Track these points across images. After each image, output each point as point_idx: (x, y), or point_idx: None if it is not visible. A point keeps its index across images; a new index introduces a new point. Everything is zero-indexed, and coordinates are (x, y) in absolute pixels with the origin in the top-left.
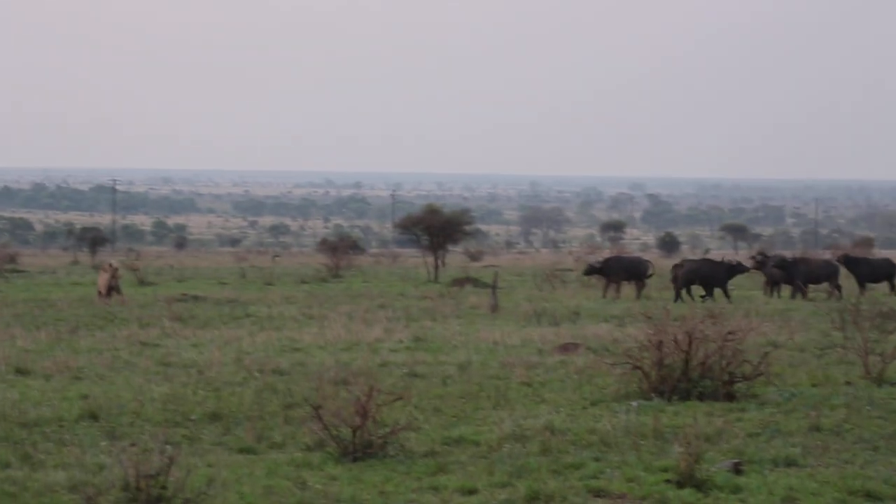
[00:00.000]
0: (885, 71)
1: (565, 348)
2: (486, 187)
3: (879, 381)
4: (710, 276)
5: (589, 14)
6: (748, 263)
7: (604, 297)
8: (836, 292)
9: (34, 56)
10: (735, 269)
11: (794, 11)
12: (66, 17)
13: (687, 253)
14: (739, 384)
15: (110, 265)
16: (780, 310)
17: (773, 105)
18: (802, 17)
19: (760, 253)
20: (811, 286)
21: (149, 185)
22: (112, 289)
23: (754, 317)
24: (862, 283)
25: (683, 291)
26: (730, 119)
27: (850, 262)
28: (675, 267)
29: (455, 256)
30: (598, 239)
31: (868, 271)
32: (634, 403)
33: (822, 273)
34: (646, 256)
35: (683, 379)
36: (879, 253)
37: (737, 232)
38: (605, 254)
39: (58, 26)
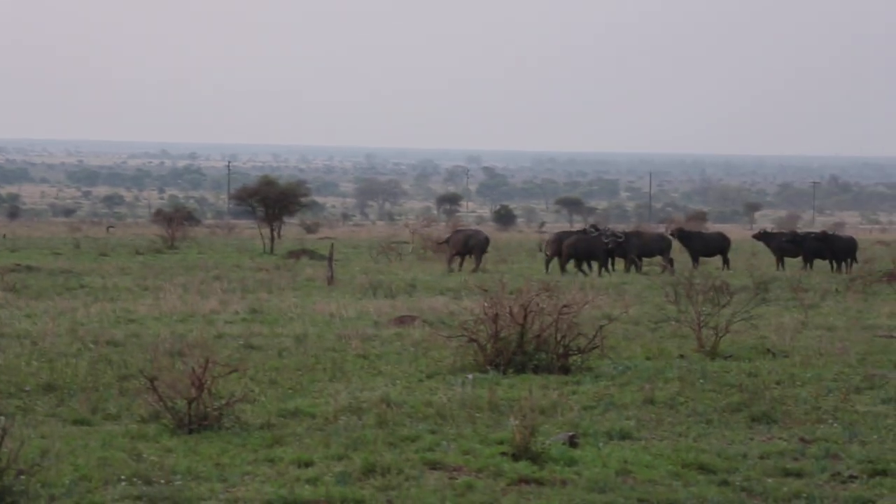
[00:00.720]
0: (719, 44)
1: (401, 321)
2: (322, 159)
3: (713, 354)
4: (589, 251)
5: None
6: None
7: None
8: (669, 266)
9: None
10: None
11: None
12: None
13: (522, 227)
14: (575, 357)
15: None
16: (614, 283)
17: (609, 78)
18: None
19: (593, 226)
20: (644, 260)
21: None
22: None
23: (589, 290)
24: (695, 258)
25: (567, 264)
26: (564, 91)
27: (684, 236)
28: (551, 242)
29: (291, 228)
30: (434, 212)
31: (701, 245)
32: (470, 376)
33: (654, 247)
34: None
35: (519, 352)
36: (713, 227)
37: (572, 205)
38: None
39: None
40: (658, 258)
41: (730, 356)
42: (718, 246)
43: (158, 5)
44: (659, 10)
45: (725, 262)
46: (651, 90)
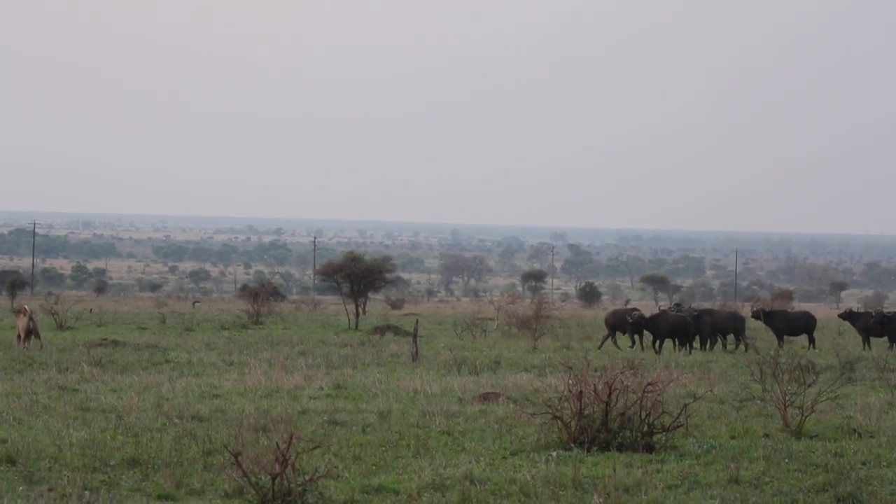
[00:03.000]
0: (805, 122)
1: (486, 397)
2: (408, 235)
3: (798, 434)
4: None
5: (517, 69)
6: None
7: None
8: (744, 344)
9: None
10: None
11: (713, 66)
12: None
13: (607, 304)
14: (659, 435)
15: (25, 309)
16: (699, 361)
17: (695, 156)
18: (721, 67)
19: (677, 305)
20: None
21: (69, 229)
22: (31, 333)
23: (674, 368)
24: (779, 336)
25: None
26: (650, 169)
27: (767, 316)
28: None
29: (376, 304)
30: (519, 288)
31: (784, 324)
32: (554, 453)
33: (727, 325)
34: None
35: (603, 430)
36: (798, 306)
37: (657, 283)
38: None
39: None
40: (730, 336)
41: (815, 436)
42: (803, 325)
43: (245, 82)
44: (741, 87)
45: (811, 341)
46: (737, 168)
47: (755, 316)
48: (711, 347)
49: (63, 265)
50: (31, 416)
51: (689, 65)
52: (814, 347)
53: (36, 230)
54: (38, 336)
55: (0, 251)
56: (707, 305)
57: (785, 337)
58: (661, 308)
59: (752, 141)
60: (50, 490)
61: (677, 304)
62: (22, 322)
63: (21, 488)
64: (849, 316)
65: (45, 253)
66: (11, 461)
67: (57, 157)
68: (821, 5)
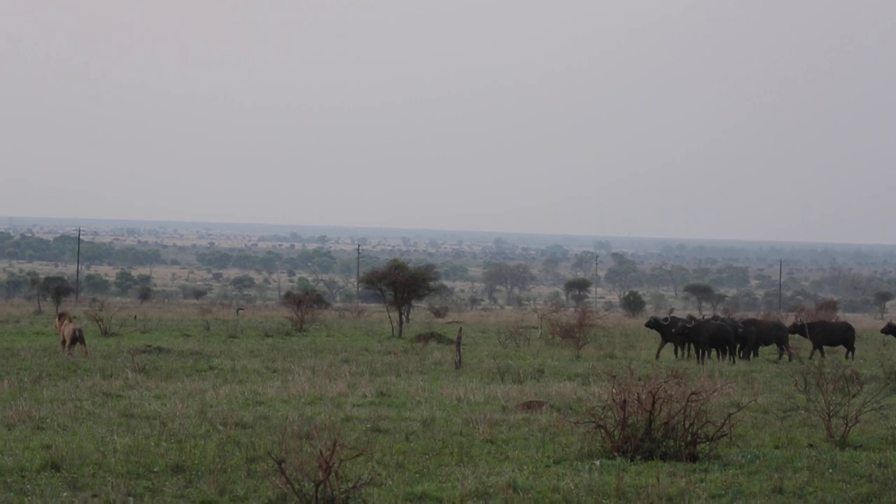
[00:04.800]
0: (849, 131)
1: (529, 406)
2: (452, 243)
3: (842, 444)
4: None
5: (563, 73)
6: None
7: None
8: (788, 353)
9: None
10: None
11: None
12: (34, 65)
13: (651, 313)
14: (703, 445)
15: (70, 315)
16: (743, 371)
17: (738, 165)
18: (772, 93)
19: (715, 316)
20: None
21: (114, 236)
22: (76, 339)
23: (718, 378)
24: (818, 347)
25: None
26: (694, 178)
27: (807, 328)
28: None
29: (419, 312)
30: (563, 297)
31: (823, 335)
32: (597, 462)
33: (770, 335)
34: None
35: (647, 438)
36: (843, 317)
37: (701, 292)
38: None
39: (24, 74)
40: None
41: (860, 446)
42: (841, 336)
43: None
44: (785, 98)
45: (850, 351)
46: (781, 177)
47: (793, 330)
48: (755, 356)
49: (107, 272)
50: (75, 423)
51: (735, 81)
52: (852, 358)
53: (81, 237)
54: (83, 343)
55: (45, 258)
56: (752, 315)
57: (822, 347)
58: (701, 318)
59: (797, 152)
60: (94, 496)
61: (715, 316)
62: (67, 328)
63: (65, 494)
64: (891, 329)
65: (89, 260)
66: (56, 467)
67: (102, 165)
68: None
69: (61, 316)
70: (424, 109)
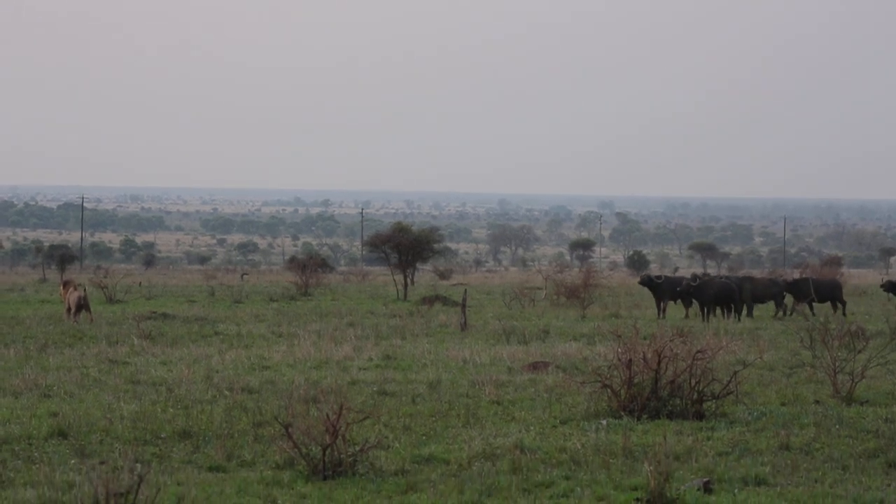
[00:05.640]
0: (853, 87)
1: (535, 367)
2: (455, 205)
3: (848, 400)
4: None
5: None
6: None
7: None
8: (781, 312)
9: (6, 78)
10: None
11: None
12: (34, 28)
13: (655, 272)
14: (709, 403)
15: (75, 283)
16: (749, 328)
17: (742, 123)
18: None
19: (695, 276)
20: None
21: (117, 203)
22: (81, 307)
23: (723, 336)
24: (809, 304)
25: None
26: (697, 138)
27: (792, 285)
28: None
29: (424, 275)
30: (567, 257)
31: (808, 292)
32: (604, 422)
33: (766, 293)
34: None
35: (653, 397)
36: (848, 272)
37: (705, 251)
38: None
39: (25, 38)
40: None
41: (866, 402)
42: (829, 292)
43: (293, 58)
44: (789, 56)
45: (836, 306)
46: (784, 133)
47: (787, 289)
48: (749, 315)
49: (111, 239)
50: (81, 390)
51: (737, 35)
52: (844, 314)
53: (84, 204)
54: (88, 310)
55: (49, 226)
56: (756, 273)
57: (811, 304)
58: (701, 276)
59: (799, 108)
60: (101, 463)
61: (695, 275)
62: (72, 296)
63: (73, 461)
64: (890, 287)
65: (93, 227)
66: (63, 434)
67: (104, 133)
68: None
69: (66, 284)
70: (424, 69)
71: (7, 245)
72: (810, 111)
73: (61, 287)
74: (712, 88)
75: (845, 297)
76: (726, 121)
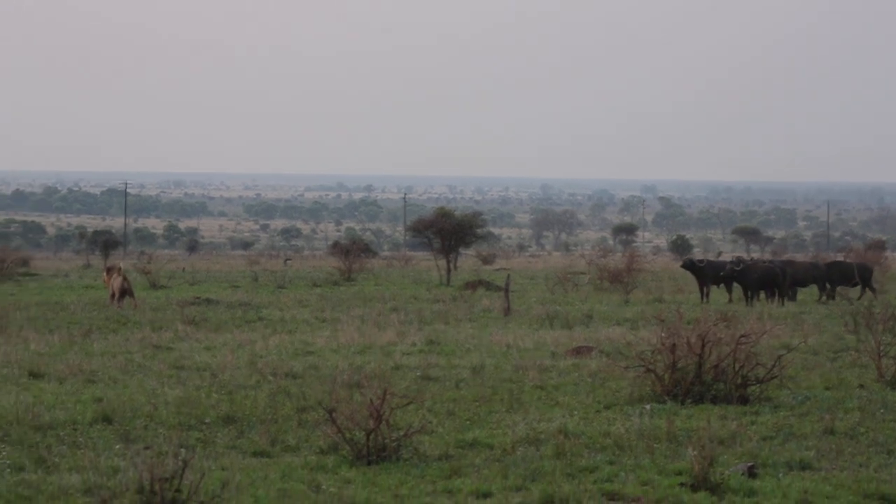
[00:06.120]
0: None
1: (578, 351)
2: (498, 190)
3: (893, 384)
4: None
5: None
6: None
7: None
8: (825, 296)
9: (46, 60)
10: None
11: (819, 19)
12: (81, 19)
13: (699, 256)
14: (753, 387)
15: (119, 268)
16: (793, 313)
17: (786, 108)
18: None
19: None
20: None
21: (160, 189)
22: (125, 292)
23: (767, 320)
24: (833, 287)
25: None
26: (741, 122)
27: (831, 266)
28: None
29: (467, 259)
30: (610, 242)
31: (839, 275)
32: (648, 406)
33: (807, 276)
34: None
35: (697, 382)
36: (892, 256)
37: (749, 235)
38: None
39: (69, 30)
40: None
41: None
42: (856, 275)
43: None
44: (834, 35)
45: (864, 290)
46: (829, 118)
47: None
48: (791, 298)
49: (155, 224)
50: (126, 375)
51: (779, 16)
52: (875, 297)
53: (128, 190)
54: (132, 295)
55: (92, 212)
56: (798, 257)
57: (836, 288)
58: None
59: (843, 90)
60: (146, 448)
61: (739, 260)
62: (116, 281)
63: (117, 446)
64: None
65: (136, 213)
66: (108, 420)
67: (148, 119)
68: None
69: (109, 269)
70: (465, 50)
71: (51, 231)
72: (855, 94)
73: (104, 273)
74: (756, 75)
75: (890, 281)
76: (770, 104)
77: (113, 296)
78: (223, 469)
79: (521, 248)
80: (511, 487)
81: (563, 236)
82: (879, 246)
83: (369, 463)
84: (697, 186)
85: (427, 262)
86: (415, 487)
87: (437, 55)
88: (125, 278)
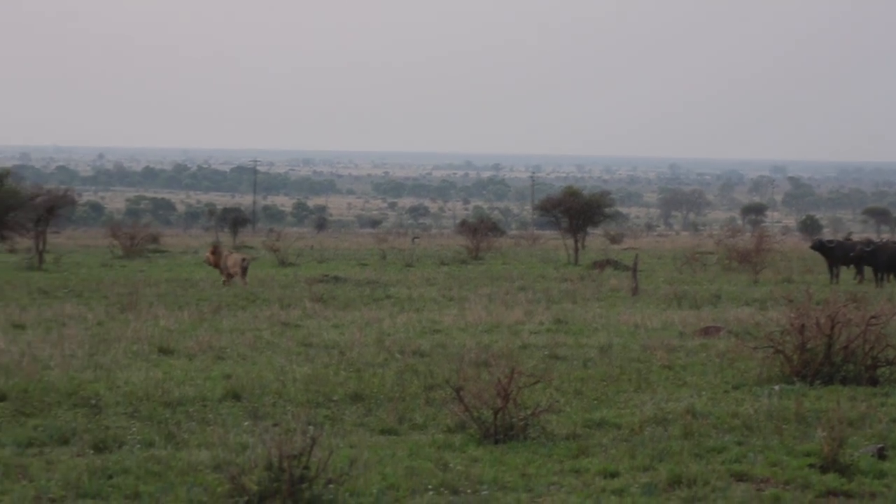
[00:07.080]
0: None
1: (706, 331)
2: (626, 170)
3: None
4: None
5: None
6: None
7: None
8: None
9: (177, 42)
10: None
11: None
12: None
13: (830, 237)
14: (883, 369)
15: (229, 249)
16: None
17: None
18: None
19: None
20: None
21: (289, 167)
22: (244, 270)
23: None
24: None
25: None
26: (873, 103)
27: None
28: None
29: (595, 239)
30: (739, 222)
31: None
32: (776, 387)
33: None
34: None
35: (826, 363)
36: None
37: (879, 216)
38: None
39: (204, 12)
40: None
41: None
42: None
43: (454, 21)
44: None
45: None
46: None
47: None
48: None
49: (284, 202)
50: (254, 352)
51: None
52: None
53: (257, 168)
54: (244, 276)
55: (221, 189)
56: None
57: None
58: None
59: None
60: (275, 425)
61: (869, 240)
62: (233, 259)
63: (246, 423)
64: None
65: (265, 190)
66: (237, 396)
67: (279, 97)
68: None
69: (215, 248)
70: (597, 28)
71: (181, 208)
72: None
73: (209, 252)
74: (884, 47)
75: None
76: None
77: (229, 275)
78: (351, 447)
79: (649, 227)
80: (638, 467)
81: (692, 216)
82: None
83: (496, 442)
84: (827, 167)
85: (555, 241)
86: (542, 466)
87: (567, 35)
88: (242, 255)
